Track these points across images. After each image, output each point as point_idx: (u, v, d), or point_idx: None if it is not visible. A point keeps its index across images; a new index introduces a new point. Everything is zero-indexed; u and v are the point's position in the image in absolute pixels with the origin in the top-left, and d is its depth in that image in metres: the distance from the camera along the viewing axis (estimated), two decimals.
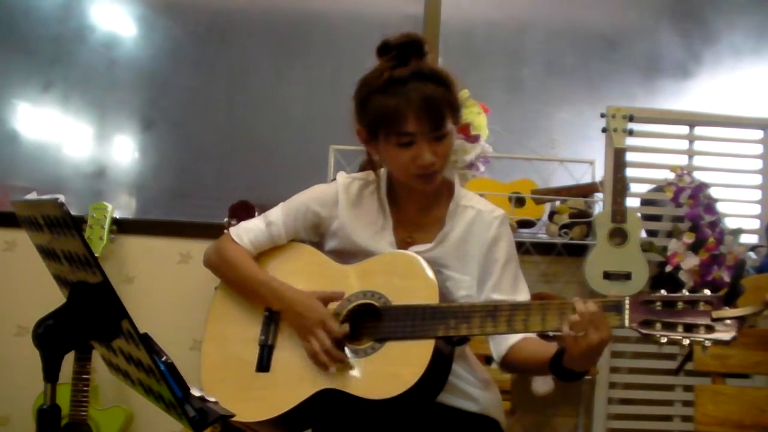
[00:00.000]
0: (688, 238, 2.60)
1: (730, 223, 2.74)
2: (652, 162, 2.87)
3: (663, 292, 1.40)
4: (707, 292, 1.38)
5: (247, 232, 1.72)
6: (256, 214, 2.32)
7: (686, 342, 1.36)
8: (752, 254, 2.72)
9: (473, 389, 1.66)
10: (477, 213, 1.68)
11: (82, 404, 2.55)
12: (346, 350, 1.55)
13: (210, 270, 1.76)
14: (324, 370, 1.53)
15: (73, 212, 1.00)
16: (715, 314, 1.35)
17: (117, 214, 2.87)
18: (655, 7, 3.36)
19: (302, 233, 1.73)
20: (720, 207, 2.68)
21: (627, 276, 2.63)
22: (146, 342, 1.01)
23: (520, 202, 2.86)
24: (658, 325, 1.38)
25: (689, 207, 2.63)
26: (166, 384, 1.00)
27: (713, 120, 2.87)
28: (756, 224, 2.83)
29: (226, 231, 1.76)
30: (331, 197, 1.71)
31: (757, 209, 2.85)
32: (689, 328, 1.36)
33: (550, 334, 1.51)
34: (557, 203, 2.89)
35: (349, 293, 1.61)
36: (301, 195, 1.74)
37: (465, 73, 2.68)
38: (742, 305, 1.37)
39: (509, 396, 2.33)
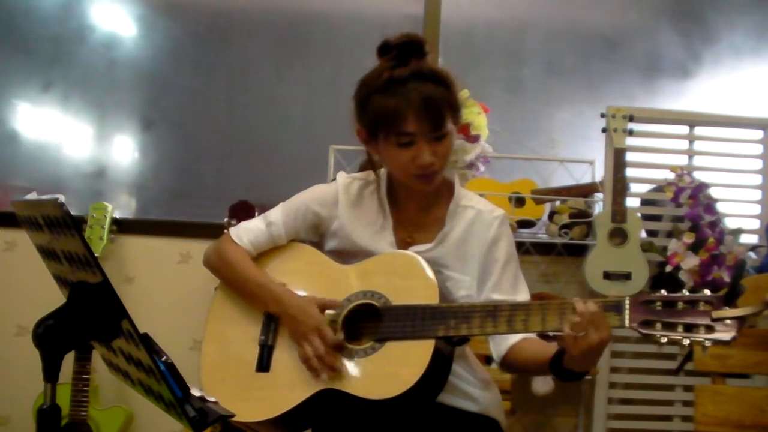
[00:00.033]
0: (688, 238, 2.60)
1: (730, 223, 2.74)
2: (652, 162, 2.87)
3: (663, 292, 1.40)
4: (707, 292, 1.38)
5: (247, 232, 1.72)
6: (256, 214, 2.32)
7: (686, 342, 1.36)
8: (752, 254, 2.72)
9: (473, 389, 1.66)
10: (477, 213, 1.68)
11: (82, 404, 2.55)
12: (346, 351, 1.55)
13: (209, 270, 1.76)
14: (316, 376, 1.53)
15: (73, 212, 1.00)
16: (715, 314, 1.35)
17: (117, 214, 2.87)
18: (655, 7, 3.36)
19: (302, 233, 1.73)
20: (720, 207, 2.68)
21: (627, 276, 2.63)
22: (146, 342, 1.01)
23: (520, 202, 2.86)
24: (658, 325, 1.38)
25: (689, 207, 2.63)
26: (166, 384, 1.00)
27: (713, 120, 2.87)
28: (756, 224, 2.83)
29: (226, 231, 1.76)
30: (331, 197, 1.71)
31: (757, 209, 2.85)
32: (689, 328, 1.36)
33: (550, 334, 1.51)
34: (557, 203, 2.89)
35: (349, 293, 1.61)
36: (301, 195, 1.74)
37: (465, 73, 2.68)
38: (742, 305, 1.37)
39: (509, 396, 2.33)
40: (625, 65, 3.30)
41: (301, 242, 1.73)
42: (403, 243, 1.67)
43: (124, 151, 3.32)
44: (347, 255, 1.68)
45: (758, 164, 2.87)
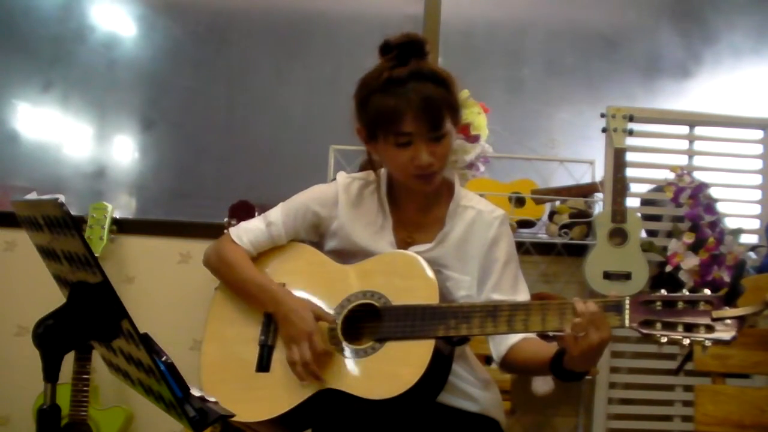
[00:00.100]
0: (688, 238, 2.60)
1: (730, 223, 2.74)
2: (652, 162, 2.87)
3: (663, 292, 1.40)
4: (707, 292, 1.38)
5: (247, 232, 1.72)
6: (256, 214, 2.31)
7: (686, 342, 1.36)
8: (752, 254, 2.72)
9: (473, 389, 1.66)
10: (477, 213, 1.68)
11: (82, 404, 2.55)
12: (346, 351, 1.55)
13: (209, 270, 1.76)
14: (300, 380, 1.54)
15: (73, 212, 1.00)
16: (715, 314, 1.35)
17: (117, 214, 2.87)
18: (655, 7, 3.36)
19: (302, 233, 1.73)
20: (720, 207, 2.68)
21: (627, 276, 2.63)
22: (146, 342, 1.01)
23: (520, 202, 2.86)
24: (659, 325, 1.38)
25: (689, 207, 2.63)
26: (166, 384, 1.00)
27: (713, 120, 2.87)
28: (756, 224, 2.83)
29: (226, 231, 1.76)
30: (331, 197, 1.71)
31: (757, 209, 2.85)
32: (689, 328, 1.36)
33: (550, 334, 1.51)
34: (557, 203, 2.89)
35: (349, 293, 1.61)
36: (301, 195, 1.74)
37: (465, 73, 2.68)
38: (742, 305, 1.36)
39: (509, 396, 2.33)
40: (625, 65, 3.30)
41: (301, 242, 1.73)
42: (403, 243, 1.67)
43: (124, 151, 3.32)
44: (347, 255, 1.68)
45: (758, 164, 2.87)
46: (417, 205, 1.69)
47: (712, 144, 2.89)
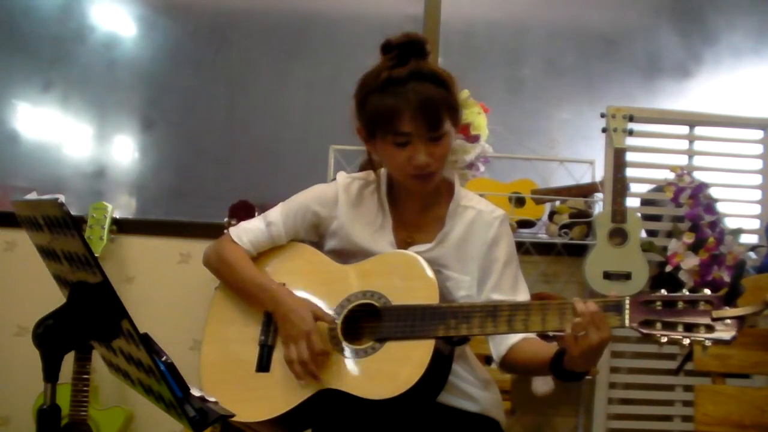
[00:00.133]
0: (688, 238, 2.60)
1: (730, 223, 2.74)
2: (652, 162, 2.87)
3: (663, 291, 1.40)
4: (707, 292, 1.38)
5: (246, 232, 1.72)
6: (256, 214, 2.32)
7: (686, 342, 1.36)
8: (752, 254, 2.72)
9: (473, 389, 1.66)
10: (477, 213, 1.68)
11: (82, 404, 2.55)
12: (345, 351, 1.55)
13: (209, 270, 1.76)
14: (298, 379, 1.54)
15: (73, 212, 1.00)
16: (716, 314, 1.35)
17: (117, 214, 2.87)
18: (655, 7, 3.36)
19: (302, 233, 1.73)
20: (720, 207, 2.68)
21: (627, 276, 2.63)
22: (146, 342, 1.01)
23: (520, 202, 2.86)
24: (659, 325, 1.38)
25: (689, 207, 2.63)
26: (166, 384, 1.00)
27: (713, 120, 2.87)
28: (756, 224, 2.83)
29: (226, 231, 1.76)
30: (330, 197, 1.71)
31: (757, 209, 2.85)
32: (689, 328, 1.36)
33: (551, 334, 1.51)
34: (557, 203, 2.89)
35: (349, 293, 1.61)
36: (301, 195, 1.74)
37: (465, 73, 2.66)
38: (742, 305, 1.36)
39: (509, 396, 2.33)
40: (625, 65, 3.30)
41: (301, 242, 1.73)
42: (403, 243, 1.67)
43: (124, 151, 3.32)
44: (347, 255, 1.68)
45: (758, 164, 2.87)
46: (417, 205, 1.69)
47: (712, 144, 2.88)
